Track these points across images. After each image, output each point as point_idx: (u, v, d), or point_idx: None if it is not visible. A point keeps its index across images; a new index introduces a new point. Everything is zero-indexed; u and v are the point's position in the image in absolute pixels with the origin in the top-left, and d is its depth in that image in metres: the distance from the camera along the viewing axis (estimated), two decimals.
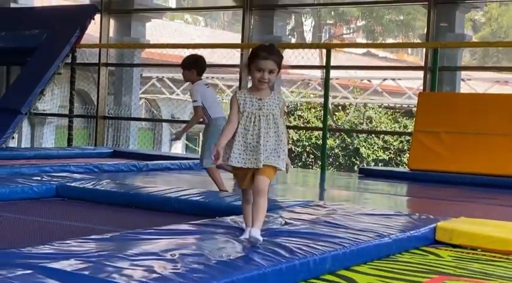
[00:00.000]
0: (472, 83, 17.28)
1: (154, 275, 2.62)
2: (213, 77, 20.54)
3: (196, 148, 23.10)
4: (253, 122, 3.37)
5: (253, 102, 3.41)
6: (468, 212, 5.09)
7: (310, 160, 19.57)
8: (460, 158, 8.18)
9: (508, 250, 3.98)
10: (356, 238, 3.62)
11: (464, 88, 14.53)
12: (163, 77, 20.22)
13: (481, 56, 27.91)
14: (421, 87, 10.94)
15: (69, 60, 10.93)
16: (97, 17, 11.57)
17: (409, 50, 31.47)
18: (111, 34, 13.24)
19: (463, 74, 13.41)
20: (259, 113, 3.39)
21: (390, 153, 19.03)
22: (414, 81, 17.68)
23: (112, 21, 13.33)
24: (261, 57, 3.36)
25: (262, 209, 3.35)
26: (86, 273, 2.61)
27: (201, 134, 25.33)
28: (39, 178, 6.14)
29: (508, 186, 7.71)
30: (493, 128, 8.28)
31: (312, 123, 19.48)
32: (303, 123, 19.65)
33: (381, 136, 19.08)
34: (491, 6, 25.16)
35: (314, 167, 18.63)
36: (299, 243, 3.40)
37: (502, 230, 4.23)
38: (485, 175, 8.05)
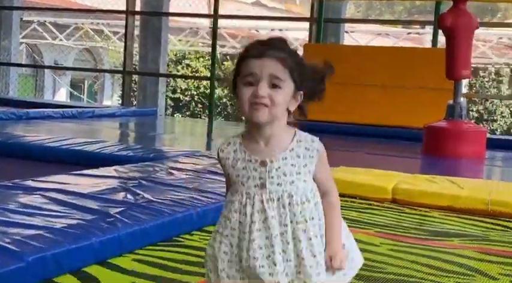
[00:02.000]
0: (355, 35, 17.66)
1: (30, 232, 2.54)
2: (98, 23, 20.06)
3: (81, 95, 22.56)
4: (252, 216, 1.59)
5: (248, 169, 1.61)
6: (348, 161, 5.22)
7: (198, 109, 19.52)
8: (342, 109, 8.37)
9: (384, 198, 4.14)
10: None
11: (348, 40, 14.82)
12: (45, 21, 19.64)
13: (365, 9, 28.47)
14: (307, 39, 11.11)
15: None
16: None
17: (297, 0, 31.67)
18: None
19: (347, 26, 13.66)
20: (261, 193, 1.59)
21: None
22: (301, 32, 17.87)
23: None
24: (251, 55, 1.61)
25: None
26: None
27: (86, 81, 24.68)
28: None
29: (388, 136, 7.99)
30: (374, 80, 8.52)
31: (201, 72, 19.41)
32: (191, 72, 19.54)
33: None
34: None
35: (202, 116, 18.61)
36: (180, 195, 3.40)
37: (379, 178, 4.39)
38: (366, 125, 8.31)
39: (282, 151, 1.59)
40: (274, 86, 1.57)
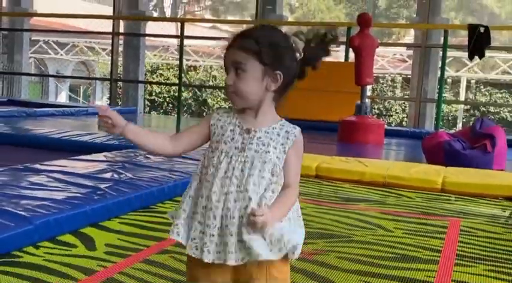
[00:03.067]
0: None
1: (37, 202, 2.49)
2: (90, 41, 19.69)
3: (78, 98, 22.13)
4: (226, 172, 1.34)
5: (235, 133, 1.38)
6: None
7: (169, 108, 19.35)
8: (278, 107, 8.36)
9: (309, 175, 4.16)
10: None
11: None
12: (48, 40, 19.31)
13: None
14: None
15: None
16: None
17: (244, 25, 31.65)
18: (3, 4, 12.45)
19: None
20: (239, 155, 1.35)
21: (229, 102, 19.19)
22: None
23: None
24: (225, 48, 1.38)
25: None
26: None
27: (82, 87, 24.26)
28: None
29: (312, 128, 8.01)
30: (302, 85, 8.49)
31: (171, 79, 19.21)
32: (164, 80, 19.33)
33: (223, 90, 19.14)
34: None
35: (172, 114, 18.43)
36: (156, 173, 3.37)
37: (306, 160, 4.40)
38: (295, 119, 8.30)
39: (266, 127, 1.37)
40: (238, 70, 1.33)
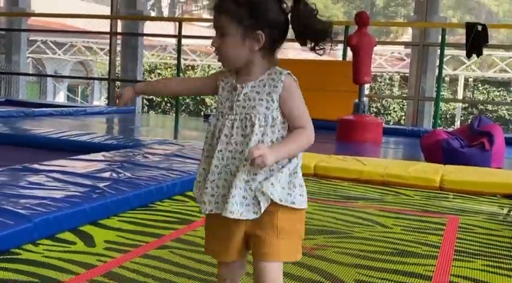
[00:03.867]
0: (286, 51, 17.69)
1: (37, 201, 2.50)
2: (88, 41, 19.68)
3: (76, 98, 22.11)
4: (220, 132, 1.37)
5: (228, 92, 1.39)
6: None
7: (168, 107, 19.33)
8: None
9: (308, 173, 4.15)
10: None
11: (280, 55, 14.83)
12: (46, 40, 19.30)
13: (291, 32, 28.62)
14: None
15: None
16: None
17: None
18: (1, 4, 12.33)
19: None
20: (229, 114, 1.37)
21: None
22: None
23: None
24: (210, 7, 1.43)
25: None
26: None
27: (80, 87, 24.24)
28: None
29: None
30: (301, 84, 8.51)
31: None
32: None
33: None
34: None
35: (171, 113, 18.41)
36: (154, 173, 3.38)
37: (305, 158, 4.40)
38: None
39: (253, 81, 1.35)
40: (222, 35, 1.33)
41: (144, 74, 15.72)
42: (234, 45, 1.33)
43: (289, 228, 1.35)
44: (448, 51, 13.51)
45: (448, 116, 17.84)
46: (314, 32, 1.35)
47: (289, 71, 1.37)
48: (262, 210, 1.32)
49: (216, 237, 1.40)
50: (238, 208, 1.31)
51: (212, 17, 1.35)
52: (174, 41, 17.54)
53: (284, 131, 1.35)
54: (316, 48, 1.37)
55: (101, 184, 2.90)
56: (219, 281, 1.47)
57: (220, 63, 1.39)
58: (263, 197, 1.31)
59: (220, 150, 1.35)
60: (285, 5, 1.34)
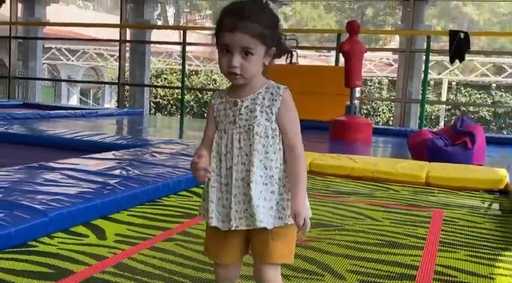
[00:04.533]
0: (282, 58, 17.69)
1: (52, 197, 2.50)
2: (99, 48, 19.66)
3: (88, 101, 22.10)
4: (226, 147, 1.35)
5: (227, 109, 1.37)
6: None
7: (173, 110, 19.30)
8: None
9: None
10: None
11: (277, 61, 14.83)
12: (61, 47, 19.29)
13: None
14: None
15: None
16: (8, 1, 10.66)
17: None
18: (19, 15, 12.36)
19: None
20: (234, 128, 1.34)
21: None
22: None
23: (19, 5, 12.36)
24: (225, 26, 1.29)
25: None
26: None
27: (92, 90, 24.25)
28: None
29: (305, 127, 8.01)
30: (297, 88, 8.46)
31: (174, 83, 19.16)
32: (168, 83, 19.29)
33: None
34: (296, 3, 25.67)
35: (176, 115, 18.40)
36: (161, 170, 3.37)
37: None
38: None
39: (252, 94, 1.34)
40: (246, 54, 1.29)
41: (151, 78, 15.69)
42: (257, 63, 1.32)
43: (283, 234, 1.36)
44: (432, 57, 13.50)
45: (432, 117, 17.83)
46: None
47: (286, 86, 1.37)
48: (288, 215, 1.34)
49: (218, 241, 1.39)
50: (265, 218, 1.32)
51: (227, 37, 1.29)
52: (179, 47, 17.51)
53: (281, 142, 1.35)
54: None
55: (112, 181, 2.90)
56: (218, 281, 1.46)
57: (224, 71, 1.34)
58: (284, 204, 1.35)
59: (236, 163, 1.33)
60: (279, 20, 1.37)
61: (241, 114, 1.33)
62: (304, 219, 1.30)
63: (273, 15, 1.33)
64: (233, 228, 1.33)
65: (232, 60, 1.29)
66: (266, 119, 1.33)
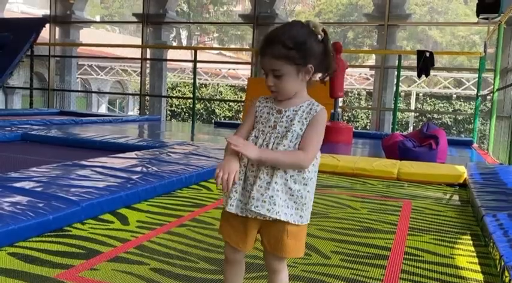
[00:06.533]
0: None
1: (84, 190, 2.49)
2: (124, 65, 19.67)
3: (115, 109, 22.07)
4: (261, 147, 1.27)
5: (270, 114, 1.31)
6: None
7: (186, 116, 19.31)
8: None
9: None
10: (212, 162, 3.62)
11: None
12: (92, 64, 19.30)
13: None
14: (249, 74, 11.10)
15: (29, 53, 9.90)
16: (47, 25, 10.66)
17: (244, 52, 31.59)
18: (57, 37, 12.38)
19: None
20: (272, 132, 1.28)
21: (232, 112, 19.20)
22: (247, 70, 17.82)
23: (57, 28, 12.38)
24: (259, 52, 1.27)
25: None
26: (39, 189, 2.42)
27: (118, 100, 24.23)
28: (9, 128, 5.60)
29: None
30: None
31: (186, 94, 19.19)
32: (181, 94, 19.30)
33: (227, 102, 19.15)
34: None
35: (188, 121, 18.40)
36: (175, 167, 3.37)
37: None
38: None
39: (294, 106, 1.28)
40: (275, 75, 1.24)
41: (167, 90, 15.71)
42: (290, 82, 1.25)
43: (298, 231, 1.28)
44: (403, 72, 13.48)
45: (403, 123, 17.81)
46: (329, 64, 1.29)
47: (324, 107, 1.31)
48: (305, 209, 1.27)
49: (235, 229, 1.29)
50: (283, 210, 1.24)
51: (261, 62, 1.24)
52: (190, 64, 17.52)
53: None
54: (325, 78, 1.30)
55: (134, 177, 2.89)
56: (228, 262, 1.34)
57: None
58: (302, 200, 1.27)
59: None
60: (319, 36, 1.25)
61: (282, 121, 1.27)
62: (241, 149, 1.19)
63: (302, 35, 1.22)
64: (251, 213, 1.23)
65: (267, 80, 1.25)
66: (300, 128, 1.26)
